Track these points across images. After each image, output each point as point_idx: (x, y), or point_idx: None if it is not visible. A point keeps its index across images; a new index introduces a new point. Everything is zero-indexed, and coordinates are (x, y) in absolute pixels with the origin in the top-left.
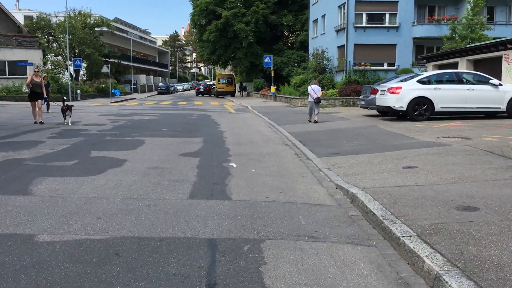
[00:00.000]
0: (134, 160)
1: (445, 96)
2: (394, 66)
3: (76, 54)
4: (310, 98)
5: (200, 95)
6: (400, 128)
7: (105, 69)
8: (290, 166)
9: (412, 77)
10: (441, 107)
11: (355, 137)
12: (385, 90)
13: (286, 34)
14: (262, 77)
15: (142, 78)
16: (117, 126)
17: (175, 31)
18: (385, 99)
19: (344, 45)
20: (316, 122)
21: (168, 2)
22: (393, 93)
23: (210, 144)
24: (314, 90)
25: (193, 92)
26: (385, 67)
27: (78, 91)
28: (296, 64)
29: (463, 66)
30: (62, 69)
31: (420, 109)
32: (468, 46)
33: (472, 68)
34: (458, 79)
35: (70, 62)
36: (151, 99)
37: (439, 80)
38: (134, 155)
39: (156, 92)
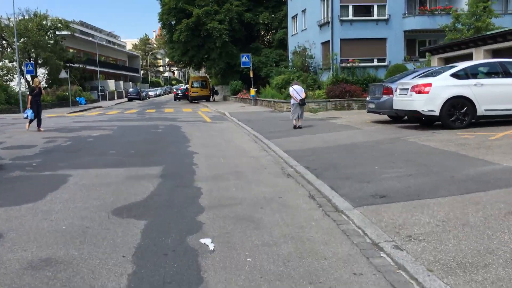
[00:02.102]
0: (13, 235)
1: (490, 94)
2: (384, 62)
3: (33, 59)
4: (293, 101)
5: (179, 100)
6: (444, 142)
7: (63, 75)
8: (314, 236)
9: (441, 70)
10: (485, 110)
11: (389, 159)
12: (407, 89)
13: (263, 33)
14: (239, 78)
15: (111, 84)
16: (48, 149)
17: (145, 34)
18: (408, 101)
19: (329, 40)
20: (299, 127)
21: (137, 5)
22: (420, 92)
23: (172, 180)
24: (297, 91)
25: (166, 97)
26: (375, 63)
27: None
28: (274, 64)
29: (480, 57)
30: (13, 75)
31: (458, 113)
32: (487, 33)
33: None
34: (504, 71)
35: (18, 69)
36: (117, 107)
37: (475, 73)
38: (24, 220)
39: (126, 99)
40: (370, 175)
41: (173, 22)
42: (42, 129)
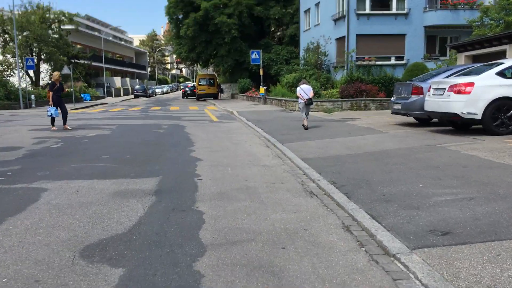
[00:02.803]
0: None
1: None
2: (402, 60)
3: (35, 53)
4: (300, 100)
5: (186, 97)
6: (495, 151)
7: (66, 70)
8: None
9: (483, 68)
10: None
11: (433, 173)
12: (444, 89)
13: (273, 28)
14: (248, 76)
15: (117, 81)
16: (34, 152)
17: (153, 30)
18: (445, 102)
19: (344, 36)
20: (305, 128)
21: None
22: (460, 92)
23: (168, 199)
24: (305, 90)
25: (172, 95)
26: (393, 61)
27: (33, 96)
28: (285, 61)
29: None
30: (13, 70)
31: (503, 117)
32: None
33: None
34: None
35: (20, 63)
36: (122, 104)
37: None
38: None
39: (132, 96)
40: (416, 197)
41: (180, 16)
42: (69, 127)
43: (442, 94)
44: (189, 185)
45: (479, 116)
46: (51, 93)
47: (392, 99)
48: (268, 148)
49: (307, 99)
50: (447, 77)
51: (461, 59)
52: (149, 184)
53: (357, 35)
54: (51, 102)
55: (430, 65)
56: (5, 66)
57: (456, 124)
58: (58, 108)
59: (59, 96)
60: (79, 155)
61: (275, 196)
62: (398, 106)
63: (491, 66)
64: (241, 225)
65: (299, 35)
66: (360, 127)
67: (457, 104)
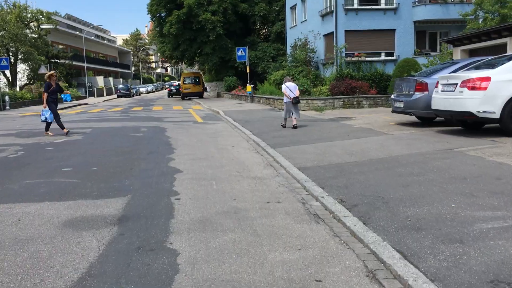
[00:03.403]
0: None
1: None
2: (392, 56)
3: (12, 53)
4: (286, 99)
5: (172, 96)
6: None
7: (43, 70)
8: None
9: (497, 61)
10: None
11: (462, 187)
12: (455, 84)
13: (259, 26)
14: (234, 74)
15: (100, 81)
16: None
17: (137, 29)
18: (457, 99)
19: (332, 32)
20: (295, 127)
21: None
22: (475, 88)
23: (135, 230)
24: (290, 88)
25: (157, 94)
26: (383, 57)
27: (7, 97)
28: (272, 59)
29: None
30: None
31: None
32: None
33: None
34: None
35: None
36: (103, 105)
37: None
38: None
39: (116, 96)
40: (453, 224)
41: (163, 14)
42: (50, 133)
43: (453, 91)
44: (163, 207)
45: (497, 115)
46: (45, 94)
47: (393, 96)
48: (259, 154)
49: (293, 97)
50: (454, 71)
51: (457, 53)
52: (113, 207)
53: (346, 31)
54: (45, 105)
55: (421, 60)
56: None
57: (466, 124)
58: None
59: (55, 99)
60: (37, 167)
61: (272, 222)
62: (400, 104)
63: (507, 59)
64: (229, 275)
65: (286, 32)
66: (358, 127)
67: (471, 102)
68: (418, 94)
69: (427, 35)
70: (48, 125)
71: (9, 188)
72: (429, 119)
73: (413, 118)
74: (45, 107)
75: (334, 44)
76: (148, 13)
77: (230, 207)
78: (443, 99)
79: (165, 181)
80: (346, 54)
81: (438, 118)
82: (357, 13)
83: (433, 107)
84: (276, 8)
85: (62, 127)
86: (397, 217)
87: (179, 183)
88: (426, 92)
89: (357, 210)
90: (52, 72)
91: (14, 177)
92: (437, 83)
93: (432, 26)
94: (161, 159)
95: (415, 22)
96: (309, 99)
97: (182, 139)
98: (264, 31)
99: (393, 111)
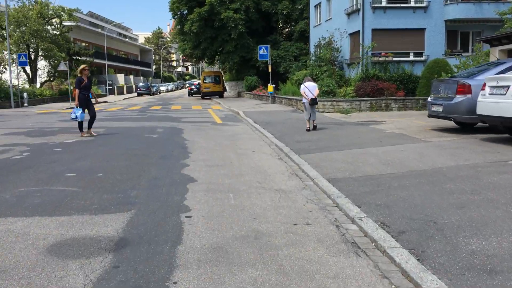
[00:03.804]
0: None
1: None
2: (422, 56)
3: (32, 50)
4: (304, 100)
5: (192, 95)
6: None
7: (62, 67)
8: None
9: None
10: None
11: None
12: (508, 87)
13: (281, 24)
14: (255, 74)
15: (120, 79)
16: None
17: (159, 27)
18: (510, 104)
19: (359, 31)
20: (315, 128)
21: None
22: None
23: (132, 261)
24: (309, 88)
25: (178, 93)
26: (411, 57)
27: (25, 94)
28: (294, 59)
29: None
30: (5, 67)
31: None
32: None
33: None
34: None
35: (11, 60)
36: (122, 103)
37: None
38: None
39: (136, 94)
40: None
41: (184, 12)
42: (94, 133)
43: (505, 94)
44: (170, 228)
45: None
46: (77, 91)
47: (429, 99)
48: (282, 161)
49: (311, 98)
50: (501, 72)
51: (495, 53)
52: (112, 226)
53: (373, 30)
54: (76, 102)
55: (452, 61)
56: None
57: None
58: (86, 110)
59: (86, 95)
60: (38, 171)
61: (301, 253)
62: (439, 108)
63: None
64: None
65: (309, 31)
66: (390, 132)
67: None
68: (459, 97)
69: (459, 35)
70: (80, 125)
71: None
72: (470, 124)
73: (451, 124)
74: (77, 105)
75: (360, 43)
76: (169, 11)
77: (250, 229)
78: (492, 104)
79: (176, 192)
80: (372, 53)
81: (479, 124)
82: (385, 11)
83: (478, 112)
84: (300, 7)
85: (90, 127)
86: (459, 252)
87: (192, 195)
88: (469, 95)
89: (405, 239)
90: (84, 65)
91: (10, 183)
92: (484, 85)
93: (464, 25)
94: (174, 164)
95: (446, 21)
96: (334, 100)
97: (199, 142)
98: (286, 30)
99: (429, 115)
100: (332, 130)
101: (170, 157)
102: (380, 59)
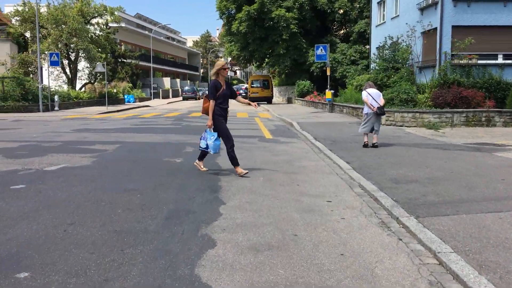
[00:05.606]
0: None
1: None
2: None
3: (71, 49)
4: (366, 109)
5: None
6: None
7: (99, 68)
8: None
9: None
10: None
11: None
12: None
13: (337, 25)
14: (308, 78)
15: (166, 82)
16: None
17: (207, 30)
18: None
19: (436, 28)
20: (375, 146)
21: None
22: None
23: None
24: (373, 95)
25: None
26: (500, 60)
27: (56, 97)
28: (351, 63)
29: None
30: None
31: None
32: None
33: None
34: None
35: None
36: (163, 108)
37: None
38: None
39: (181, 98)
40: None
41: (232, 11)
42: (245, 172)
43: None
44: None
45: None
46: (212, 102)
47: None
48: (391, 235)
49: (377, 107)
50: None
51: None
52: None
53: (453, 27)
54: (210, 122)
55: None
56: (29, 62)
57: None
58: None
59: (225, 110)
60: None
61: None
62: None
63: None
64: None
65: (370, 31)
66: None
67: None
68: None
69: None
70: (203, 156)
71: None
72: None
73: None
74: (210, 126)
75: (438, 43)
76: (216, 10)
77: None
78: None
79: None
80: (452, 55)
81: None
82: (469, 5)
83: None
84: (359, 5)
85: (236, 164)
86: None
87: None
88: None
89: None
90: (221, 62)
91: None
92: None
93: None
94: (185, 241)
95: None
96: (417, 111)
97: (238, 183)
98: (342, 31)
99: None
100: (435, 157)
101: (185, 215)
102: (462, 61)
